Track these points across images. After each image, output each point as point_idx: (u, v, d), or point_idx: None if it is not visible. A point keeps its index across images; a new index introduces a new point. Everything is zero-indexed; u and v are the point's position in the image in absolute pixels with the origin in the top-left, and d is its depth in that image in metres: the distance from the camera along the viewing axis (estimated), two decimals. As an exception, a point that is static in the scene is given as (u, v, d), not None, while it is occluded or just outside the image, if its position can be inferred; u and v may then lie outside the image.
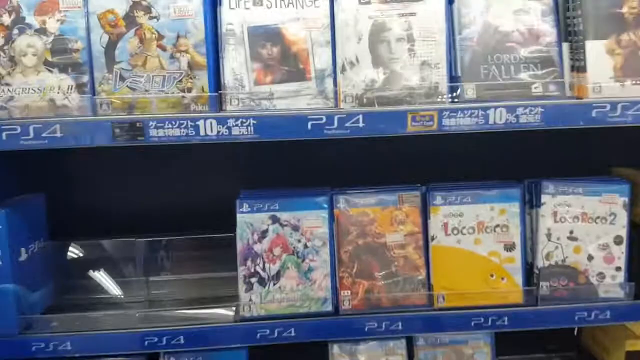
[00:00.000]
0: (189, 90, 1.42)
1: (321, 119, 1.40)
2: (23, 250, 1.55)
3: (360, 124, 1.41)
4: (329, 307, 1.55)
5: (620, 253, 1.59)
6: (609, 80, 1.45)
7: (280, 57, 1.45)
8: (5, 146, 1.37)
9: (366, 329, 1.55)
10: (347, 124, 1.41)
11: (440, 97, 1.44)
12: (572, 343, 1.88)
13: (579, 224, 1.58)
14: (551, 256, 1.59)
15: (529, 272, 1.61)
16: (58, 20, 1.40)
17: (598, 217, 1.59)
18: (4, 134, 1.37)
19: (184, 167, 1.83)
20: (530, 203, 1.63)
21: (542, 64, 1.47)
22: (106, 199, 1.83)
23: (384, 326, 1.55)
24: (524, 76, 1.46)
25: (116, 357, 1.55)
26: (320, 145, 1.52)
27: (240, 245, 1.55)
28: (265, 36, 1.45)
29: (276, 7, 1.44)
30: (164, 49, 1.42)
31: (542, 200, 1.59)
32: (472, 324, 1.57)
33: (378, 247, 1.57)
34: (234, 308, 1.56)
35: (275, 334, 1.53)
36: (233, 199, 1.56)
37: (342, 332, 1.56)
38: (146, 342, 1.52)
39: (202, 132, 1.38)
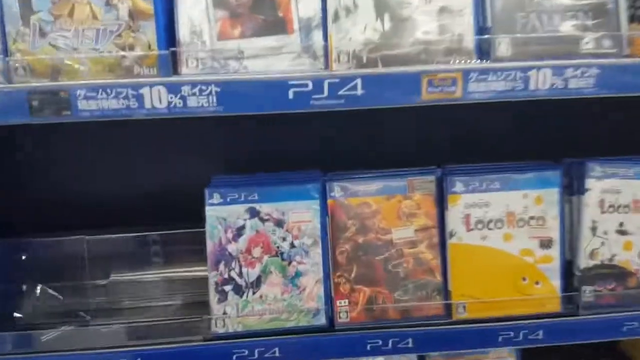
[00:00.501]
0: (131, 47, 1.25)
1: (306, 85, 1.24)
2: None
3: (359, 92, 1.26)
4: (321, 321, 1.44)
5: (680, 251, 1.48)
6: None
7: (253, 2, 1.31)
8: None
9: (368, 348, 1.44)
10: (342, 92, 1.26)
11: (465, 54, 1.30)
12: (609, 349, 1.79)
13: (631, 215, 1.47)
14: (596, 254, 1.48)
15: (568, 274, 1.49)
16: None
17: (655, 207, 1.47)
18: None
19: (140, 149, 1.71)
20: (570, 189, 1.50)
21: (594, 13, 1.33)
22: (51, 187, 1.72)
23: (390, 344, 1.44)
24: (570, 28, 1.32)
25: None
26: (308, 118, 1.36)
27: (210, 246, 1.42)
28: (233, -26, 1.30)
29: None
30: (96, -8, 1.26)
31: (587, 185, 1.46)
32: (500, 339, 1.44)
33: (382, 245, 1.46)
34: (204, 322, 1.43)
35: (256, 355, 1.41)
36: (201, 188, 1.42)
37: (339, 352, 1.45)
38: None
39: (147, 104, 1.21)
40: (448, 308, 1.45)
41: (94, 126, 1.29)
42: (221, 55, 1.27)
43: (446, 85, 1.25)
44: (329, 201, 1.45)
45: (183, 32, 1.28)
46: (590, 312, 1.45)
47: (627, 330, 1.45)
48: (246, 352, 1.40)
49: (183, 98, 1.21)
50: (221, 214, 1.41)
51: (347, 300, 1.44)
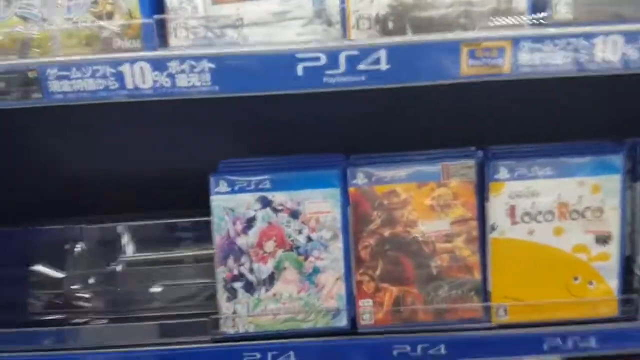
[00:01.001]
0: (110, 16, 1.15)
1: (318, 58, 1.12)
2: None
3: (383, 66, 1.13)
4: (342, 322, 1.39)
5: None
6: None
7: (254, -43, 1.18)
8: None
9: (395, 354, 1.37)
10: (362, 66, 1.13)
11: (515, 17, 1.15)
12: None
13: (703, 205, 1.34)
14: (661, 251, 1.37)
15: (627, 273, 1.41)
16: None
17: None
18: None
19: (137, 130, 1.61)
20: (632, 174, 1.40)
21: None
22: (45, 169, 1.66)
23: (419, 349, 1.36)
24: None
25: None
26: (326, 97, 1.25)
27: (217, 239, 1.37)
28: None
29: None
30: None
31: (654, 169, 1.34)
32: (545, 346, 1.37)
33: (412, 240, 1.39)
34: (212, 322, 1.37)
35: (269, 359, 1.36)
36: (207, 174, 1.36)
37: (361, 358, 1.39)
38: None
39: (128, 84, 1.10)
40: (487, 310, 1.37)
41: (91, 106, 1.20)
42: (216, 23, 1.15)
43: (491, 56, 1.11)
44: (351, 189, 1.37)
45: (171, -4, 1.16)
46: (652, 316, 1.33)
47: (694, 337, 1.34)
48: (258, 356, 1.35)
49: (171, 76, 1.10)
50: (228, 204, 1.36)
51: (371, 300, 1.38)
